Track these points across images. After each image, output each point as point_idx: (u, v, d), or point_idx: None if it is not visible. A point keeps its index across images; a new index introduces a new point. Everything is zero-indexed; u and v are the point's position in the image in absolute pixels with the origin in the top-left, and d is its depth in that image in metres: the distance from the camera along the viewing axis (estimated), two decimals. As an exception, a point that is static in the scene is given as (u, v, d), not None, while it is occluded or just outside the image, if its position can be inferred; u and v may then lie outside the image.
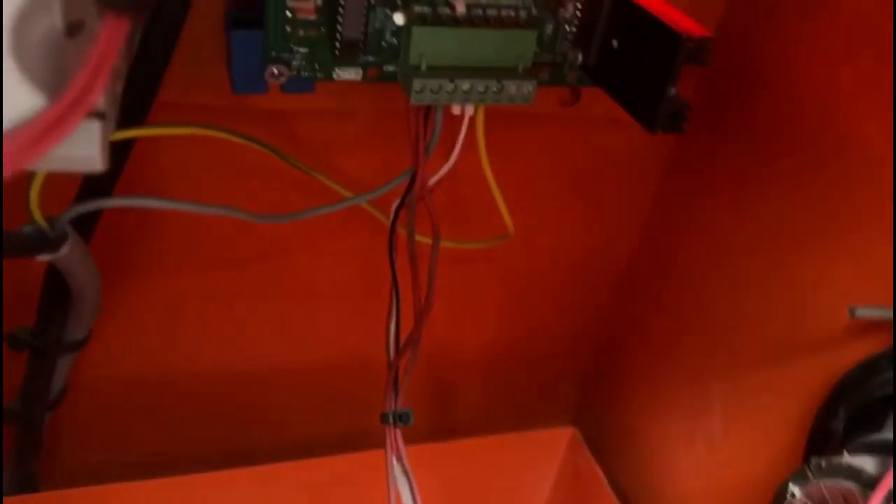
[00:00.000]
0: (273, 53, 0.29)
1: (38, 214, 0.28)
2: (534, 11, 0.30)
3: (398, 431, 0.34)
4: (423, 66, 0.29)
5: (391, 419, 0.34)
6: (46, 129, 0.16)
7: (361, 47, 0.29)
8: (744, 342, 0.38)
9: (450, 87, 0.28)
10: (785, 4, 0.34)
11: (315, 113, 0.35)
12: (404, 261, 0.33)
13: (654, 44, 0.27)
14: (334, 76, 0.30)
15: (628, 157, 0.41)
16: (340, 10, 0.28)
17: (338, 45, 0.29)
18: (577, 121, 0.39)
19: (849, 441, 0.32)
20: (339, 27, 0.29)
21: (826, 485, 0.29)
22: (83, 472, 0.41)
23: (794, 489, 0.30)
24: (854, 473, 0.29)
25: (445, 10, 0.29)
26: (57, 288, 0.32)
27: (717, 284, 0.39)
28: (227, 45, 0.30)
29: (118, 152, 0.30)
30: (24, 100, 0.16)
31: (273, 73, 0.29)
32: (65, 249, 0.29)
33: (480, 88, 0.29)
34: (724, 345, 0.39)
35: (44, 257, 0.29)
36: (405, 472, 0.34)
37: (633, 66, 0.29)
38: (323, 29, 0.29)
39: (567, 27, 0.31)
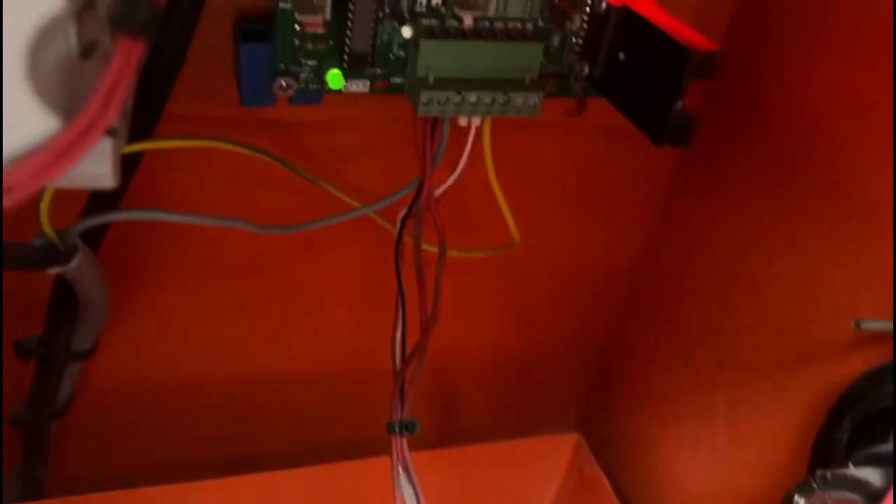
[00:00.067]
0: (281, 66, 0.29)
1: (48, 228, 0.28)
2: (540, 24, 0.30)
3: (404, 441, 0.34)
4: (431, 79, 0.29)
5: (397, 428, 0.33)
6: (61, 152, 0.16)
7: (370, 60, 0.29)
8: (748, 351, 0.38)
9: (457, 99, 0.29)
10: (789, 16, 0.34)
11: (322, 124, 0.35)
12: (410, 270, 0.33)
13: (660, 57, 0.27)
14: (343, 88, 0.30)
15: (633, 167, 0.41)
16: (349, 23, 0.28)
17: (346, 57, 0.29)
18: (583, 131, 0.39)
19: (854, 452, 0.32)
20: (347, 40, 0.29)
21: (831, 497, 0.29)
22: (89, 480, 0.41)
23: (800, 501, 0.30)
24: (859, 485, 0.28)
25: (453, 23, 0.29)
26: (65, 297, 0.33)
27: (721, 294, 0.39)
28: (235, 57, 0.30)
29: (127, 165, 0.30)
30: (38, 123, 0.16)
31: (281, 86, 0.30)
32: (75, 262, 0.29)
33: (487, 100, 0.29)
34: (729, 353, 0.39)
35: (54, 270, 0.29)
36: (411, 481, 0.34)
37: (639, 79, 0.29)
38: (331, 42, 0.29)
39: (574, 39, 0.31)
